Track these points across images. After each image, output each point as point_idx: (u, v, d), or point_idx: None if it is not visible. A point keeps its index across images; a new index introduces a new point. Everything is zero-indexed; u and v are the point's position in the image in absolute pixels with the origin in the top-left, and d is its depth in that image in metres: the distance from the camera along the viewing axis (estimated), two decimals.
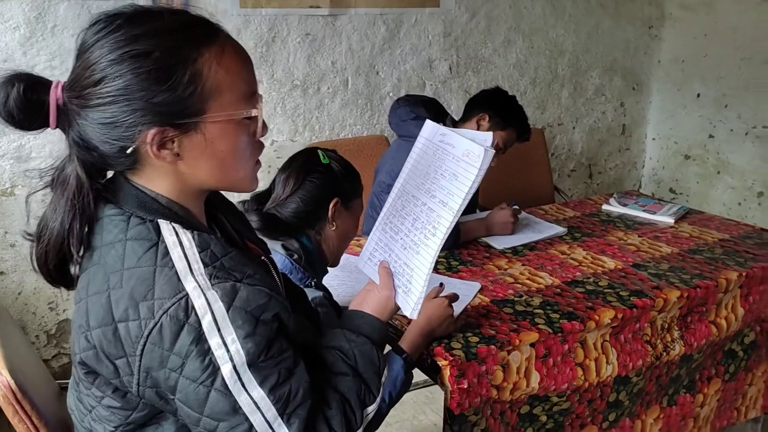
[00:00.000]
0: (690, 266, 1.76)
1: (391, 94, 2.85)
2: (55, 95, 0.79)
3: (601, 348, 1.51)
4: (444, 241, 0.99)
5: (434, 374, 1.33)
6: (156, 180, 0.84)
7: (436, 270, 1.04)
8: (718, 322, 1.70)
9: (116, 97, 0.77)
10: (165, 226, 0.82)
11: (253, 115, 0.84)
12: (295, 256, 1.27)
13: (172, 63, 0.78)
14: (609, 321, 1.49)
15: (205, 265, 0.80)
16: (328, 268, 1.40)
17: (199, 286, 0.78)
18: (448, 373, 1.29)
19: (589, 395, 1.52)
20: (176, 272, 0.78)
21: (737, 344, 1.80)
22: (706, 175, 3.55)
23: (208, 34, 0.81)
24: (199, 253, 0.81)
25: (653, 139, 3.79)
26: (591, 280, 1.67)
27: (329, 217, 1.31)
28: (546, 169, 2.98)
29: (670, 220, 2.12)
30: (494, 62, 3.10)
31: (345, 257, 1.46)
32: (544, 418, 1.49)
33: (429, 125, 1.11)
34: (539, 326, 1.43)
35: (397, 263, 1.06)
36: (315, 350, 0.96)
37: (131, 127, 0.78)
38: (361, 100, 2.79)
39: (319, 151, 1.35)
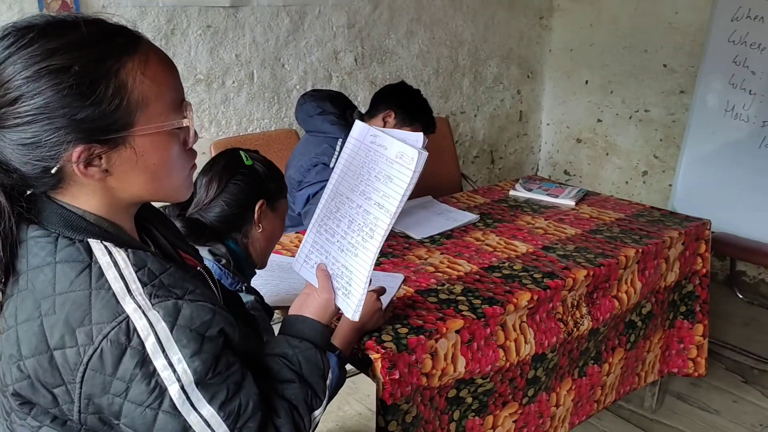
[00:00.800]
0: (593, 246, 1.88)
1: (297, 87, 2.82)
2: None
3: (520, 329, 1.60)
4: (383, 243, 0.99)
5: (365, 367, 1.35)
6: (82, 197, 0.80)
7: None
8: (620, 297, 1.84)
9: (36, 116, 0.72)
10: (96, 246, 0.78)
11: (184, 125, 0.82)
12: (224, 261, 1.25)
13: (94, 76, 0.74)
14: (526, 303, 1.57)
15: (144, 284, 0.77)
16: (256, 270, 1.38)
17: (140, 308, 0.75)
18: (380, 366, 1.32)
19: (510, 374, 1.60)
20: (113, 294, 0.75)
21: (636, 315, 1.96)
22: (596, 157, 3.79)
23: (129, 42, 0.77)
24: (136, 272, 0.77)
25: (548, 124, 3.99)
26: (506, 264, 1.75)
27: (255, 219, 1.30)
28: (452, 156, 3.07)
29: (572, 203, 2.26)
30: (398, 53, 3.15)
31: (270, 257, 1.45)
32: (469, 400, 1.56)
33: (359, 126, 1.10)
34: (463, 313, 1.48)
35: (335, 265, 1.05)
36: (259, 358, 0.95)
37: (55, 146, 0.74)
38: (267, 94, 2.75)
39: (241, 152, 1.33)
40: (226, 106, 2.65)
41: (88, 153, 0.75)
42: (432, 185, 2.50)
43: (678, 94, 3.32)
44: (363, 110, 2.22)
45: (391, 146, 1.00)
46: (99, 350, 0.73)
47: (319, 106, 2.02)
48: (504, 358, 1.56)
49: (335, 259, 1.05)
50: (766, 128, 2.78)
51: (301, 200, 1.86)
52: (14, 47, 0.73)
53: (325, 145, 1.91)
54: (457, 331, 1.45)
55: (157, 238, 0.94)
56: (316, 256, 1.09)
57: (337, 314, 1.11)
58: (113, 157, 0.77)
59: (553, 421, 1.81)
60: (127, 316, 0.74)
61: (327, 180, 1.83)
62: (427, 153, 0.96)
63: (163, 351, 0.75)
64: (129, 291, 0.75)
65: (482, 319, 1.49)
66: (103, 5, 2.27)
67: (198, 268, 0.94)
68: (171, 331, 0.75)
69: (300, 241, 1.89)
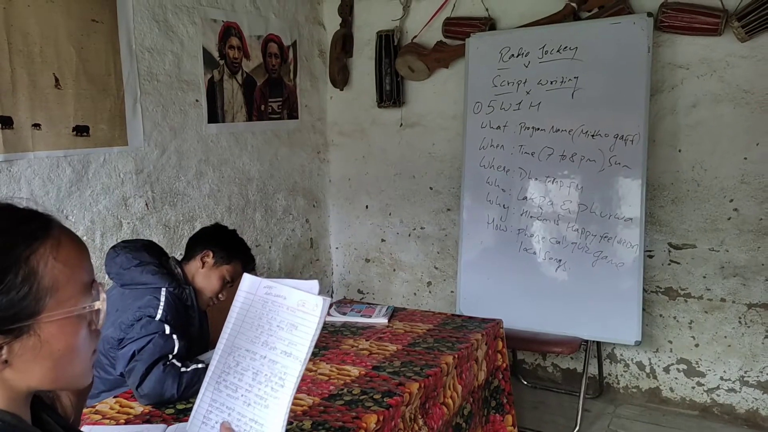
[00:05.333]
0: (416, 358, 2.03)
1: (85, 238, 2.65)
2: None
3: None
4: (295, 390, 0.99)
5: None
6: None
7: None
8: (447, 402, 1.99)
9: None
10: None
11: (95, 308, 0.78)
12: None
13: (3, 265, 0.70)
14: (374, 425, 1.63)
15: None
16: None
17: None
18: None
19: None
20: None
21: (460, 417, 2.12)
22: (385, 273, 4.09)
23: (40, 227, 0.75)
24: None
25: (336, 248, 4.23)
26: (345, 390, 1.80)
27: None
28: None
29: (384, 321, 2.41)
30: (189, 194, 3.15)
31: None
32: None
33: (248, 278, 1.10)
34: None
35: (241, 421, 1.02)
36: None
37: None
38: None
39: None
40: None
41: None
42: None
43: (446, 212, 3.80)
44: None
45: (290, 295, 1.03)
46: None
47: (135, 257, 1.93)
48: None
49: (241, 415, 1.02)
50: (520, 235, 3.31)
51: (124, 358, 1.72)
52: None
53: (149, 297, 1.83)
54: None
55: (47, 423, 0.84)
56: (217, 415, 1.05)
57: None
58: (15, 346, 0.72)
59: None
60: None
61: (154, 333, 1.77)
62: (330, 299, 1.02)
63: None
64: None
65: None
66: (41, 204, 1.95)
67: None
68: None
69: (121, 406, 1.74)
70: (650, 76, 2.97)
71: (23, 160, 2.43)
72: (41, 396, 1.07)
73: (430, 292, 3.96)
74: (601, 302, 3.09)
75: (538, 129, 3.22)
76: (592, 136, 3.09)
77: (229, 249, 2.12)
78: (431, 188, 3.83)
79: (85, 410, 1.68)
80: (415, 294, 4.01)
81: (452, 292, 3.79)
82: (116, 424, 1.64)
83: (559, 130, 3.17)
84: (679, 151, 3.11)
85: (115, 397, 1.79)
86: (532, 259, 3.29)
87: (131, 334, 1.75)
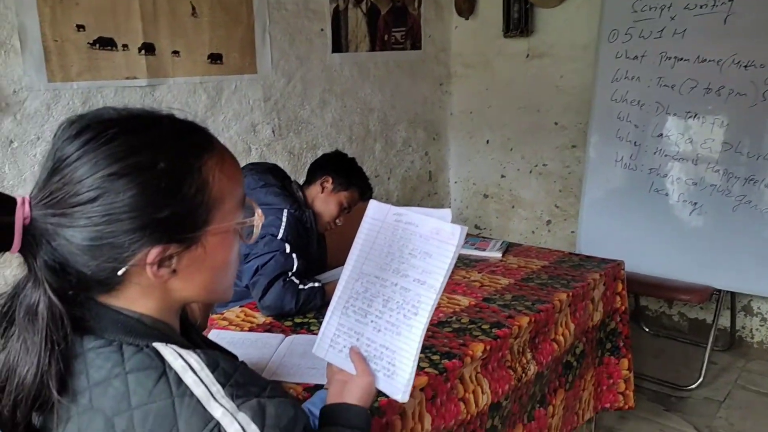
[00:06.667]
0: (528, 293, 2.00)
1: None
2: (23, 214, 0.68)
3: (476, 380, 1.65)
4: (429, 319, 0.97)
5: None
6: (140, 300, 0.75)
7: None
8: (558, 339, 1.95)
9: (116, 215, 0.69)
10: (165, 350, 0.73)
11: (254, 222, 0.81)
12: None
13: (180, 173, 0.72)
14: (480, 354, 1.64)
15: (222, 385, 0.72)
16: None
17: (228, 411, 0.70)
18: None
19: (471, 426, 1.65)
20: (197, 400, 0.69)
21: (572, 356, 2.08)
22: (503, 210, 4.02)
23: (206, 140, 0.77)
24: (212, 372, 0.72)
25: (455, 182, 4.20)
26: (454, 318, 1.82)
27: None
28: None
29: (498, 255, 2.38)
30: (313, 123, 3.24)
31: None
32: None
33: (374, 205, 1.07)
34: (426, 370, 1.52)
35: (371, 346, 1.01)
36: None
37: (131, 247, 0.70)
38: None
39: None
40: None
41: (164, 253, 0.72)
42: None
43: (570, 148, 3.62)
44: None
45: (422, 223, 0.99)
46: None
47: (261, 179, 2.03)
48: (465, 411, 1.60)
49: (370, 340, 1.01)
50: (652, 175, 3.10)
51: (248, 272, 1.84)
52: (94, 143, 0.70)
53: (272, 217, 1.93)
54: (422, 389, 1.49)
55: (190, 335, 0.88)
56: (345, 339, 1.04)
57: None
58: (184, 256, 0.74)
59: None
60: (218, 423, 0.69)
61: (275, 251, 1.87)
62: (466, 228, 0.96)
63: None
64: (211, 394, 0.71)
65: (443, 374, 1.53)
66: (15, 90, 2.19)
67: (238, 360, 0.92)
68: None
69: (246, 315, 1.87)
70: None
71: (164, 85, 2.60)
72: None
73: (549, 230, 3.85)
74: (739, 250, 2.85)
75: (681, 59, 2.94)
76: (745, 67, 2.77)
77: (348, 176, 2.17)
78: (556, 123, 3.66)
79: (213, 316, 1.84)
80: (533, 232, 3.91)
81: (573, 232, 3.66)
82: (241, 331, 1.77)
83: (705, 60, 2.87)
84: None
85: (240, 306, 1.93)
86: (664, 201, 3.08)
87: (255, 250, 1.86)
